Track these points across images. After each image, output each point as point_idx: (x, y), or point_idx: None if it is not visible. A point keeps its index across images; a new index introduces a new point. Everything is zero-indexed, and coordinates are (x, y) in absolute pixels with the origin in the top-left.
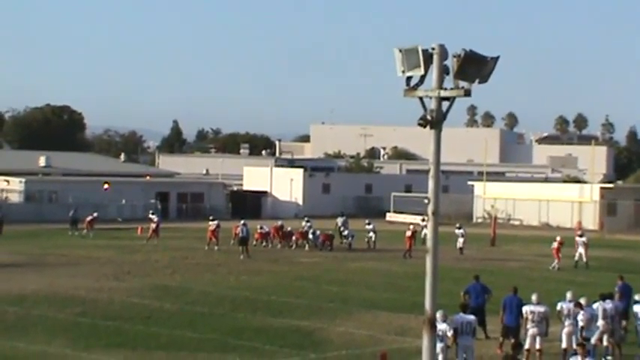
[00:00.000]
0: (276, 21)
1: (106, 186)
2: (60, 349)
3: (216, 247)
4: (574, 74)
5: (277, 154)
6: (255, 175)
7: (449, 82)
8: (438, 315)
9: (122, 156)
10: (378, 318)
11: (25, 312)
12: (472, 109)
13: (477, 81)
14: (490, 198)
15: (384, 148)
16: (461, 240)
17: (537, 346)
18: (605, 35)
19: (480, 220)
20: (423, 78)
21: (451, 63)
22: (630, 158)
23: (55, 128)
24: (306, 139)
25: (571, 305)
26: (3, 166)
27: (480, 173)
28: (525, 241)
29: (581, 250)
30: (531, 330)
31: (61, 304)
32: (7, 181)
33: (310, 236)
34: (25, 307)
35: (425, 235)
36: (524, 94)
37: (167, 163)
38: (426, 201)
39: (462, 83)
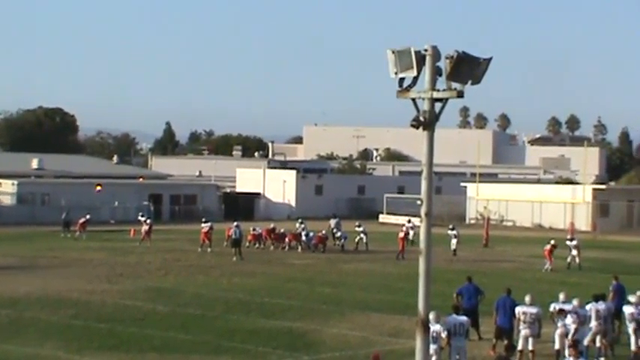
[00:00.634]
0: (269, 23)
1: (98, 188)
2: (52, 351)
3: (209, 249)
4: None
5: (270, 155)
6: (248, 177)
7: (441, 83)
8: (432, 316)
9: (115, 158)
10: (371, 319)
11: (18, 314)
12: (465, 111)
13: (469, 82)
14: (483, 199)
15: (377, 150)
16: (454, 241)
17: (530, 347)
18: (598, 37)
19: (472, 222)
20: (415, 79)
21: (444, 64)
22: (622, 159)
23: (47, 130)
24: (298, 140)
25: (564, 306)
26: None
27: (473, 174)
28: (518, 243)
29: (574, 252)
30: (524, 331)
31: (54, 306)
32: (0, 184)
33: (304, 238)
34: (18, 309)
35: (413, 235)
36: (517, 96)
37: (160, 164)
38: (418, 202)
39: (455, 84)
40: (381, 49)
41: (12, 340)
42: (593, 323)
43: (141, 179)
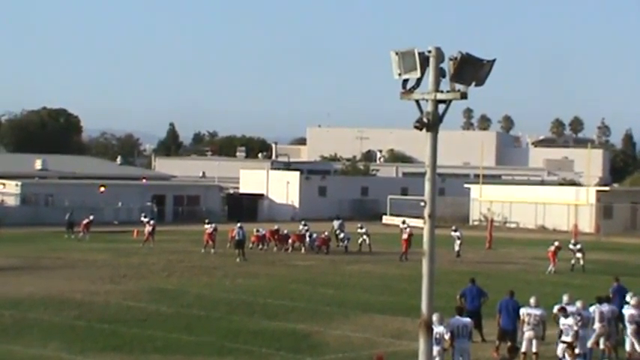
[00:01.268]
0: (272, 24)
1: (102, 189)
2: (56, 352)
3: (212, 250)
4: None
5: (273, 156)
6: (252, 178)
7: (445, 84)
8: (435, 318)
9: (118, 159)
10: (374, 321)
11: (21, 315)
12: (468, 112)
13: (473, 84)
14: (486, 201)
15: (381, 151)
16: (458, 243)
17: (534, 350)
18: (601, 38)
19: (476, 223)
20: (419, 81)
21: (447, 66)
22: (626, 161)
23: (51, 131)
24: (302, 141)
25: (568, 308)
26: None
27: (477, 176)
28: (522, 244)
29: (578, 255)
30: (528, 333)
31: (57, 307)
32: (4, 184)
33: (307, 239)
34: (21, 310)
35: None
36: (521, 97)
37: (163, 165)
38: (422, 204)
39: (459, 86)
40: (384, 50)
41: (15, 341)
42: (597, 325)
43: (144, 180)
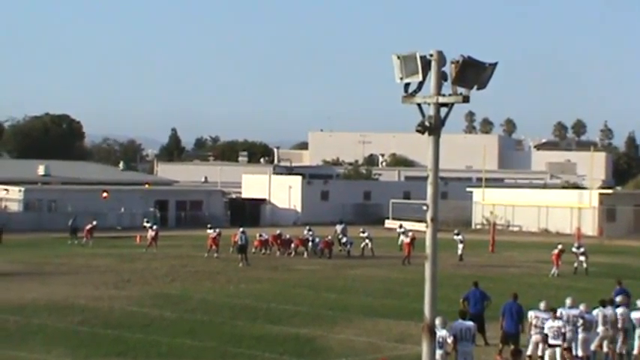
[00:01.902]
0: (274, 28)
1: (104, 194)
2: (60, 358)
3: (215, 255)
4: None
5: (276, 161)
6: (254, 183)
7: (447, 88)
8: (438, 321)
9: (121, 164)
10: (377, 325)
11: (25, 321)
12: (470, 116)
13: (475, 87)
14: (489, 204)
15: (383, 155)
16: (460, 246)
17: (540, 353)
18: (604, 41)
19: (478, 227)
20: (421, 84)
21: (449, 69)
22: (629, 164)
23: (54, 137)
24: (304, 146)
25: (571, 311)
26: (2, 175)
27: (479, 179)
28: (525, 248)
29: (581, 258)
30: (535, 336)
31: (61, 312)
32: (7, 190)
33: (310, 244)
34: (25, 316)
35: (401, 241)
36: (523, 101)
37: (166, 171)
38: (424, 207)
39: (461, 89)
40: (386, 54)
41: (19, 347)
42: (601, 328)
43: (147, 185)
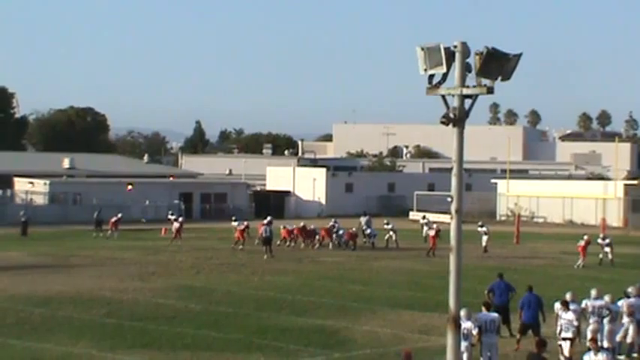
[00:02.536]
0: (298, 20)
1: (129, 187)
2: (85, 349)
3: (240, 247)
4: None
5: (300, 153)
6: (278, 175)
7: (471, 79)
8: (463, 313)
9: (145, 157)
10: (401, 317)
11: (51, 313)
12: (495, 107)
13: (499, 78)
14: (513, 196)
15: (407, 147)
16: (485, 238)
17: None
18: (628, 31)
19: (503, 218)
20: (445, 76)
21: (473, 61)
22: None
23: (78, 130)
24: (328, 138)
25: (596, 302)
26: (27, 168)
27: (503, 171)
28: (549, 239)
29: (606, 249)
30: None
31: (87, 305)
32: (32, 183)
33: (334, 235)
34: (51, 308)
35: (426, 232)
36: (547, 92)
37: (190, 163)
38: (449, 199)
39: (485, 81)
40: (410, 46)
41: (46, 339)
42: (625, 319)
43: (171, 178)
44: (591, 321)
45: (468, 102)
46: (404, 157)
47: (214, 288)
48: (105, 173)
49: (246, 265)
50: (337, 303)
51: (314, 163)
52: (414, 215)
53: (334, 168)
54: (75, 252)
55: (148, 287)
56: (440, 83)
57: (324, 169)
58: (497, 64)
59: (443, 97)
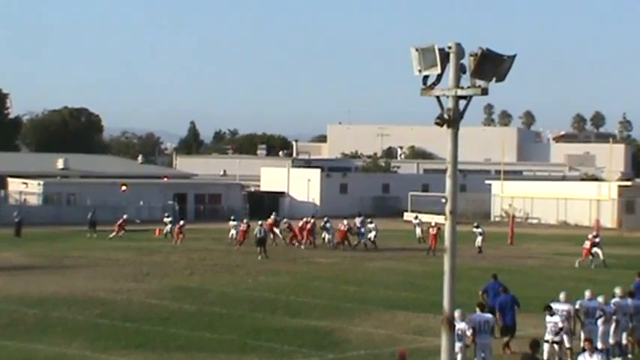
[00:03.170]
0: (292, 21)
1: (123, 188)
2: (79, 350)
3: (236, 247)
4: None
5: (294, 154)
6: (273, 176)
7: (466, 80)
8: (457, 314)
9: (140, 158)
10: (396, 317)
11: (45, 314)
12: (489, 108)
13: (493, 79)
14: (508, 197)
15: (401, 148)
16: (479, 239)
17: (567, 345)
18: (622, 33)
19: (497, 219)
20: (439, 77)
21: (468, 62)
22: None
23: (72, 131)
24: (323, 139)
25: (590, 303)
26: (21, 169)
27: (498, 172)
28: (543, 240)
29: (596, 249)
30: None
31: (80, 305)
32: (26, 184)
33: (324, 234)
34: (45, 309)
35: (420, 232)
36: (541, 93)
37: (184, 164)
38: (443, 200)
39: (479, 82)
40: (405, 47)
41: (39, 340)
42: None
43: (165, 179)
44: (585, 322)
45: (462, 103)
46: (398, 158)
47: (208, 289)
48: (99, 174)
49: (240, 265)
50: (331, 304)
51: (308, 163)
52: (408, 216)
53: (329, 169)
54: (69, 253)
55: (142, 288)
56: (434, 84)
57: (318, 170)
58: (492, 66)
59: (437, 98)
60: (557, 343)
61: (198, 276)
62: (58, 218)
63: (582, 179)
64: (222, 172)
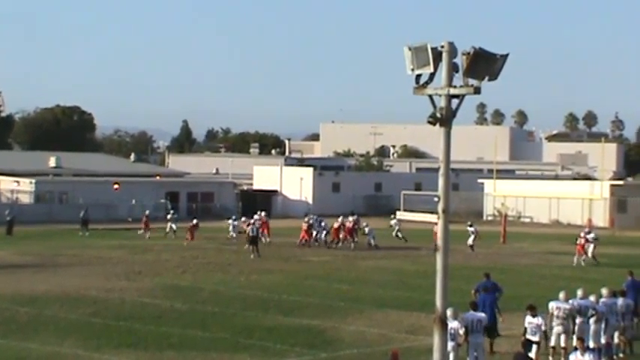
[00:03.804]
0: (284, 20)
1: (116, 186)
2: (72, 349)
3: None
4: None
5: (287, 153)
6: (265, 175)
7: (458, 79)
8: (449, 312)
9: (132, 156)
10: (389, 316)
11: (37, 312)
12: (482, 107)
13: (486, 78)
14: (500, 196)
15: (394, 147)
16: (471, 237)
17: (562, 345)
18: (614, 32)
19: (490, 218)
20: (432, 76)
21: (460, 61)
22: None
23: (65, 129)
24: (315, 137)
25: (582, 303)
26: (13, 167)
27: (490, 171)
28: (536, 239)
29: (590, 245)
30: (556, 327)
31: (73, 304)
32: (18, 182)
33: (314, 232)
34: (37, 307)
35: (397, 232)
36: (534, 92)
37: (177, 162)
38: (436, 199)
39: (472, 81)
40: (397, 45)
41: (31, 338)
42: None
43: (158, 177)
44: (577, 321)
45: (455, 102)
46: (391, 157)
47: (201, 287)
48: (91, 172)
49: (232, 264)
50: (324, 303)
51: (301, 162)
52: (401, 215)
53: (321, 167)
54: (61, 251)
55: (134, 287)
56: (427, 83)
57: (311, 169)
58: (485, 65)
59: (430, 97)
60: (536, 343)
61: (190, 274)
62: (50, 217)
63: (574, 178)
64: (214, 171)
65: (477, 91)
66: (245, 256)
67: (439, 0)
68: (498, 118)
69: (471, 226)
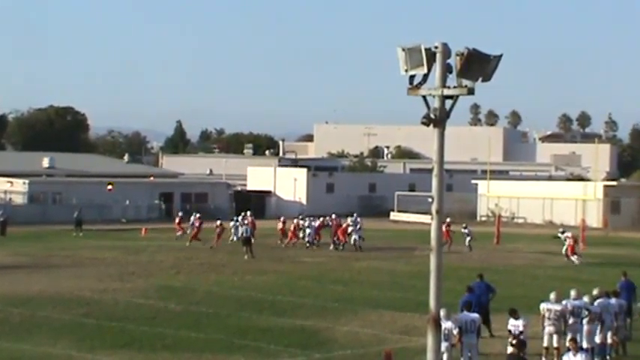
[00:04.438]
0: (278, 21)
1: (109, 187)
2: (65, 350)
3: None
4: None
5: (281, 153)
6: (259, 175)
7: (452, 80)
8: (443, 313)
9: (126, 157)
10: (382, 317)
11: (30, 313)
12: (475, 108)
13: (480, 79)
14: (494, 196)
15: (388, 147)
16: (467, 239)
17: (555, 345)
18: (608, 33)
19: (484, 219)
20: (426, 77)
21: (454, 61)
22: (634, 156)
23: (58, 129)
24: (309, 138)
25: (575, 303)
26: (6, 168)
27: (484, 172)
28: (529, 239)
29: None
30: (548, 328)
31: (66, 305)
32: (11, 183)
33: (301, 232)
34: (30, 308)
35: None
36: (528, 93)
37: (171, 163)
38: (429, 200)
39: (465, 82)
40: (391, 46)
41: (25, 339)
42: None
43: (152, 178)
44: (570, 322)
45: (448, 103)
46: (385, 158)
47: (195, 288)
48: (85, 173)
49: (226, 265)
50: (318, 303)
51: (295, 163)
52: (394, 216)
53: (315, 168)
54: (54, 252)
55: (127, 287)
56: (421, 84)
57: (304, 170)
58: (478, 65)
59: (424, 97)
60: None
61: (184, 275)
62: (44, 217)
63: (568, 179)
64: (208, 172)
65: (471, 91)
66: (239, 257)
67: (433, 1)
68: (492, 118)
69: (465, 228)
